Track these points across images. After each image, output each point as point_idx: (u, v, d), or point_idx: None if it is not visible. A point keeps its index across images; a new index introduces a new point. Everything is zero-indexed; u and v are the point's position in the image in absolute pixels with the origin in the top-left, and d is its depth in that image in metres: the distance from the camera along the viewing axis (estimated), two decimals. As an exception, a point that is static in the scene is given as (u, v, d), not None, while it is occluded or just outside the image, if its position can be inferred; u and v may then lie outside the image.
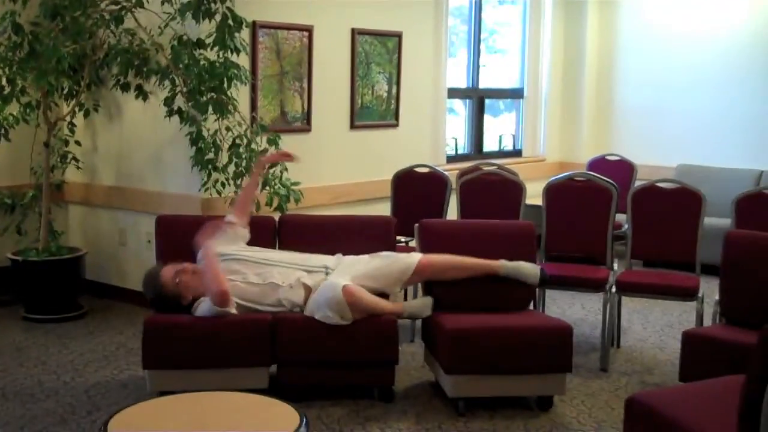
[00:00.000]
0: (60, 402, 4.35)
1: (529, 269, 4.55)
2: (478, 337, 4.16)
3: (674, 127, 8.35)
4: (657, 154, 8.30)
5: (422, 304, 4.47)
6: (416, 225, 4.77)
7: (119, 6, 5.36)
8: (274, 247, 4.79)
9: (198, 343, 4.21)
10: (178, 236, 4.67)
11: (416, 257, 4.52)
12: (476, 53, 8.20)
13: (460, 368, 4.16)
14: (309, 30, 6.12)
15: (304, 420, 2.89)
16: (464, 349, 4.15)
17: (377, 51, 6.70)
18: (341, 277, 4.32)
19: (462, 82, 8.09)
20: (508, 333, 4.21)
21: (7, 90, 5.52)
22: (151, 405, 3.10)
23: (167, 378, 4.22)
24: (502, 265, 4.51)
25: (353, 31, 6.46)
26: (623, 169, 7.49)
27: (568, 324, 4.36)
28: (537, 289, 5.38)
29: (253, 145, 5.41)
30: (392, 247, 4.82)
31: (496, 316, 4.37)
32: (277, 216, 5.11)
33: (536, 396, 4.38)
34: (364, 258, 4.54)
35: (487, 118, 8.48)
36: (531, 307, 4.75)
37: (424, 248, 4.67)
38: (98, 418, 4.11)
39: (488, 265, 4.51)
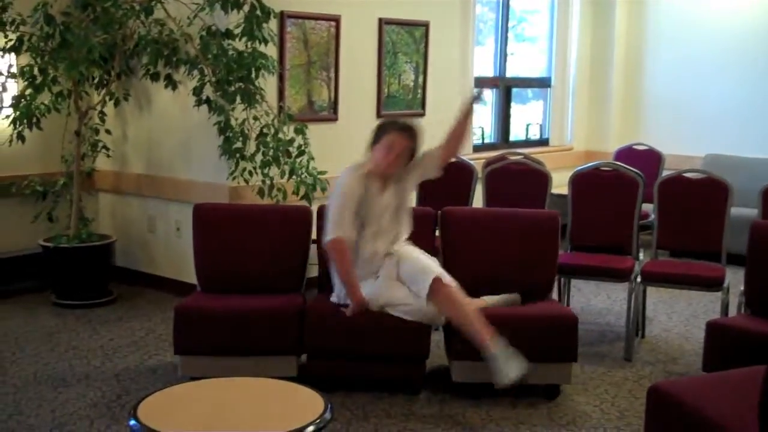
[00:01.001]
0: (90, 386, 4.44)
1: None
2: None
3: (702, 117, 8.30)
4: (685, 143, 8.25)
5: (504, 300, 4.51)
6: (439, 212, 4.79)
7: (148, -4, 5.43)
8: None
9: (228, 330, 4.30)
10: (215, 225, 4.73)
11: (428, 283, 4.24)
12: (504, 41, 8.19)
13: (463, 354, 4.18)
14: (336, 20, 6.15)
15: (329, 406, 2.95)
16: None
17: (404, 40, 6.72)
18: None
19: (489, 71, 8.09)
20: (512, 321, 4.22)
21: (39, 79, 5.60)
22: (179, 389, 3.17)
23: (198, 363, 4.29)
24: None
25: (380, 20, 6.49)
26: (651, 158, 7.48)
27: (573, 314, 4.39)
28: (560, 278, 5.44)
29: (280, 135, 5.46)
30: (431, 238, 4.82)
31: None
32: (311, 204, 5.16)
33: (544, 384, 4.38)
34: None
35: (515, 106, 8.48)
36: (554, 296, 4.75)
37: (447, 236, 4.69)
38: (128, 402, 4.19)
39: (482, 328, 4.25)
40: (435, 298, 4.15)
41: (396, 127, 4.38)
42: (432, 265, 4.27)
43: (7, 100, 5.75)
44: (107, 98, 5.99)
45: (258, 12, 5.20)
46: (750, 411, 2.86)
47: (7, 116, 5.73)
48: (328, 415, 2.90)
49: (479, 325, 4.04)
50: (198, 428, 2.83)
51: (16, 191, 5.94)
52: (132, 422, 2.81)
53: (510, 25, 8.31)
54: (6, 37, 5.52)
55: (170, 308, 5.50)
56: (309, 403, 2.96)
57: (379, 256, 4.35)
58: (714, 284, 4.97)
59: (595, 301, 6.22)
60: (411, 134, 4.37)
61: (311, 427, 2.80)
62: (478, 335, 4.03)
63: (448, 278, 4.23)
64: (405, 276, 4.26)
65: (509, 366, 3.93)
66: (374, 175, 4.36)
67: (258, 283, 4.63)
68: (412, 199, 5.96)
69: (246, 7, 5.21)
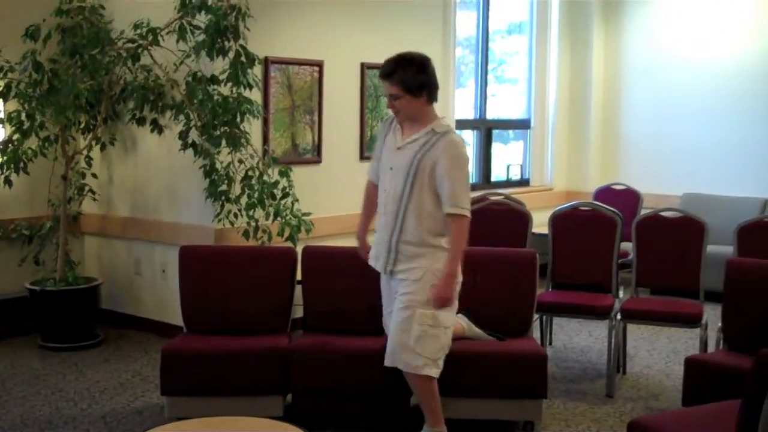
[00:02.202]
0: (78, 429, 4.46)
1: (482, 334, 4.53)
2: (451, 361, 4.10)
3: (680, 157, 8.47)
4: (663, 183, 8.42)
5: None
6: None
7: (136, 44, 5.54)
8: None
9: (215, 371, 4.35)
10: (201, 267, 4.80)
11: None
12: (484, 83, 8.37)
13: (443, 391, 4.13)
14: (319, 65, 6.29)
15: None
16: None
17: (386, 84, 6.84)
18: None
19: (470, 112, 8.24)
20: (482, 358, 4.30)
21: (27, 125, 5.68)
22: (169, 428, 3.21)
23: (185, 404, 4.33)
24: (462, 326, 4.47)
25: (362, 65, 6.63)
26: (629, 197, 7.63)
27: (543, 351, 4.46)
28: (542, 316, 5.53)
29: (265, 177, 5.55)
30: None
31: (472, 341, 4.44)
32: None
33: (521, 421, 4.45)
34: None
35: (497, 146, 8.62)
36: (536, 333, 4.82)
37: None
38: (115, 444, 4.22)
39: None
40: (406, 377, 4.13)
41: (379, 75, 4.09)
42: (402, 347, 4.00)
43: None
44: (93, 143, 6.07)
45: (243, 58, 5.32)
46: (726, 444, 2.94)
47: (-7, 161, 5.80)
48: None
49: (437, 409, 4.07)
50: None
51: (3, 235, 5.99)
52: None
53: (490, 67, 8.49)
54: (-6, 83, 5.61)
55: (156, 350, 5.59)
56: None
57: (387, 214, 4.05)
58: (692, 321, 5.07)
59: (577, 339, 6.30)
60: (388, 75, 3.96)
61: (299, 465, 2.86)
62: (431, 416, 4.08)
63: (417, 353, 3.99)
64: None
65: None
66: (405, 127, 4.06)
67: (244, 324, 4.68)
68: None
69: (231, 54, 5.33)
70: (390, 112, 4.12)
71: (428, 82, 3.99)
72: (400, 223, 3.99)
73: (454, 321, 4.11)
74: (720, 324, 4.62)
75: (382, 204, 4.10)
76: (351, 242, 5.25)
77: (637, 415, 4.52)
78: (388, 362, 4.05)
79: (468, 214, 3.93)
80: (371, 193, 4.28)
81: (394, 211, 4.00)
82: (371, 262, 4.20)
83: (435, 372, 3.99)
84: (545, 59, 8.80)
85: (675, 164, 8.50)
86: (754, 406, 2.79)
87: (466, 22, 8.16)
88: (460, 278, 4.05)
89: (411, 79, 3.93)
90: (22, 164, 5.76)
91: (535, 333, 4.98)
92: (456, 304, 4.08)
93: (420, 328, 3.96)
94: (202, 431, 3.18)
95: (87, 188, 6.24)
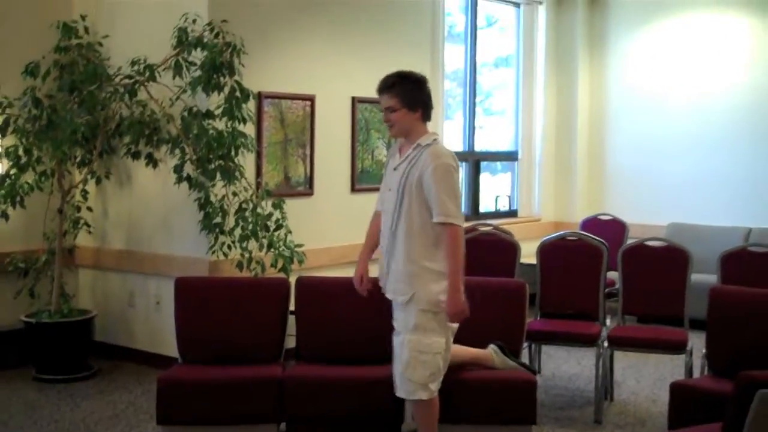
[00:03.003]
0: (74, 458, 4.53)
1: (515, 366, 4.62)
2: (443, 387, 4.17)
3: (665, 187, 8.63)
4: (648, 213, 8.57)
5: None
6: None
7: (133, 80, 5.67)
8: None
9: (210, 400, 4.44)
10: (196, 298, 4.90)
11: None
12: (472, 116, 8.52)
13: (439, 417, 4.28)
14: (311, 99, 6.43)
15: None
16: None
17: (376, 118, 6.98)
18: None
19: (458, 144, 8.38)
20: (472, 385, 4.40)
21: (24, 159, 5.79)
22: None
23: (181, 435, 4.42)
24: (491, 355, 4.60)
25: (353, 99, 6.77)
26: (615, 228, 7.74)
27: (532, 377, 4.53)
28: (530, 344, 5.63)
29: (258, 209, 5.66)
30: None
31: (461, 368, 4.49)
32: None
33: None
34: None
35: (485, 177, 8.77)
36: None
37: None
38: (112, 473, 4.28)
39: (478, 354, 4.58)
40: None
41: (377, 90, 4.20)
42: (403, 375, 4.11)
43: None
44: (89, 176, 6.16)
45: (237, 94, 5.46)
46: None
47: (-9, 196, 5.89)
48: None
49: None
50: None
51: (-1, 268, 6.07)
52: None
53: (477, 100, 8.66)
54: (-7, 119, 5.72)
55: (150, 381, 5.65)
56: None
57: (383, 236, 4.19)
58: (677, 348, 5.19)
59: (566, 367, 6.39)
60: (385, 88, 4.13)
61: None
62: None
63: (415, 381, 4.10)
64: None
65: None
66: (402, 149, 4.20)
67: (238, 354, 4.77)
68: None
69: (226, 89, 5.46)
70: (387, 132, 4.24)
71: (424, 99, 4.15)
72: (392, 240, 4.10)
73: (444, 346, 4.15)
74: (704, 350, 4.73)
75: (383, 226, 4.21)
76: (342, 273, 5.38)
77: (625, 441, 4.62)
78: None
79: (458, 222, 4.01)
80: (376, 221, 4.37)
81: (389, 229, 4.12)
82: (380, 283, 4.28)
83: (425, 395, 4.08)
84: (532, 92, 8.98)
85: (660, 195, 8.65)
86: (734, 426, 2.90)
87: (454, 56, 8.33)
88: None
89: (409, 93, 4.09)
90: (18, 198, 5.84)
91: (524, 361, 5.06)
92: (449, 329, 4.16)
93: (408, 354, 4.06)
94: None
95: (82, 221, 6.32)
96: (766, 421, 2.87)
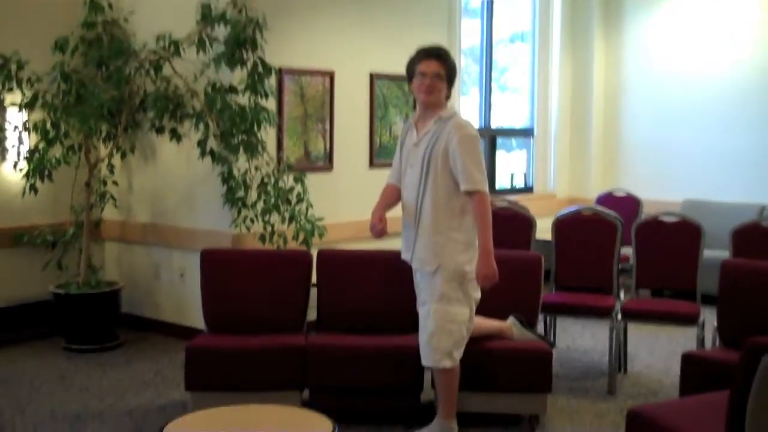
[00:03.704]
0: (105, 423, 4.70)
1: (532, 337, 4.74)
2: (465, 357, 4.37)
3: (680, 163, 8.71)
4: (663, 189, 8.64)
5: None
6: None
7: (158, 56, 5.79)
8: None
9: (236, 367, 4.60)
10: (221, 269, 5.03)
11: None
12: (488, 92, 8.61)
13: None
14: (331, 75, 6.54)
15: (337, 427, 3.25)
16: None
17: (394, 94, 7.10)
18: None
19: (474, 121, 8.48)
20: (490, 354, 4.54)
21: (52, 134, 5.94)
22: (200, 415, 3.47)
23: (208, 399, 4.53)
24: (511, 327, 4.72)
25: (372, 75, 6.88)
26: (630, 203, 7.84)
27: (549, 348, 4.66)
28: (546, 317, 5.75)
29: (280, 183, 5.79)
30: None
31: (482, 339, 4.61)
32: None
33: (527, 414, 4.69)
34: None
35: (501, 154, 8.87)
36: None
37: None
38: (142, 436, 4.46)
39: (498, 326, 4.72)
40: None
41: (422, 54, 4.30)
42: (429, 344, 4.27)
43: (13, 153, 6.10)
44: (114, 151, 6.31)
45: (260, 69, 5.58)
46: (719, 428, 3.17)
47: (20, 169, 6.05)
48: (337, 433, 3.21)
49: (452, 403, 4.33)
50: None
51: (28, 241, 6.23)
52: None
53: (493, 76, 8.74)
54: (23, 93, 5.86)
55: (175, 351, 5.84)
56: (318, 425, 3.27)
57: (407, 210, 4.34)
58: (689, 320, 5.30)
59: (581, 341, 6.52)
60: (438, 55, 4.28)
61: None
62: (445, 406, 4.33)
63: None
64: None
65: None
66: (419, 124, 4.34)
67: (262, 324, 4.91)
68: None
69: (249, 65, 5.58)
70: (418, 95, 4.32)
71: (454, 79, 4.35)
72: (418, 214, 4.25)
73: (468, 315, 4.32)
74: (716, 323, 4.84)
75: (405, 200, 4.37)
76: (362, 246, 5.53)
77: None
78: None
79: (484, 188, 4.17)
80: (388, 189, 4.53)
81: (414, 204, 4.27)
82: (403, 256, 4.44)
83: (449, 363, 4.24)
84: (547, 68, 9.05)
85: (675, 171, 8.73)
86: (742, 391, 3.02)
87: (470, 32, 8.41)
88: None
89: (451, 66, 4.31)
90: (47, 172, 6.01)
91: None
92: (472, 300, 4.32)
93: (434, 324, 4.22)
94: (231, 416, 3.41)
95: (108, 195, 6.48)
96: (774, 386, 2.99)
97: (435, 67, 4.24)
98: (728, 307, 4.67)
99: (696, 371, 4.40)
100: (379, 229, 4.36)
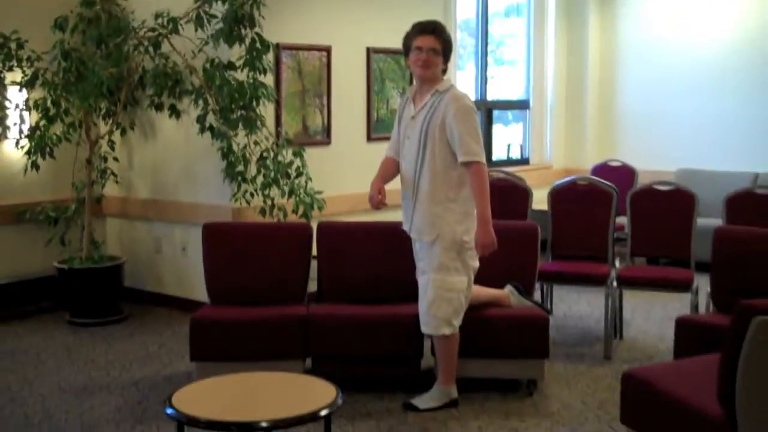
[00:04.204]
0: (112, 394, 4.80)
1: (529, 304, 4.84)
2: (464, 324, 4.48)
3: (674, 133, 8.79)
4: (658, 159, 8.73)
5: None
6: None
7: (156, 33, 5.85)
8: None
9: (240, 338, 4.69)
10: (223, 242, 5.12)
11: None
12: (484, 66, 8.67)
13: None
14: (327, 50, 6.59)
15: (340, 393, 3.35)
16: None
17: (391, 68, 7.16)
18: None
19: (471, 94, 8.51)
20: (488, 321, 4.65)
21: (53, 111, 6.00)
22: (206, 383, 3.56)
23: (212, 369, 4.61)
24: (508, 295, 4.83)
25: (368, 50, 6.94)
26: (625, 174, 7.92)
27: (545, 314, 4.77)
28: (543, 285, 5.85)
29: (279, 158, 5.87)
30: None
31: (480, 307, 4.70)
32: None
33: (525, 379, 4.80)
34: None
35: (498, 127, 8.94)
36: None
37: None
38: (149, 407, 4.57)
39: (496, 294, 4.82)
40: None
41: (417, 29, 4.38)
42: (428, 312, 4.39)
43: (15, 131, 6.16)
44: (114, 128, 6.38)
45: (258, 45, 5.63)
46: (712, 389, 3.26)
47: (22, 147, 6.12)
48: (339, 401, 3.30)
49: (451, 370, 4.46)
50: (227, 412, 3.22)
51: (30, 217, 6.31)
52: (169, 410, 3.19)
53: (489, 49, 8.79)
54: (23, 72, 5.91)
55: (178, 324, 5.95)
56: (322, 390, 3.37)
57: (406, 181, 4.45)
58: (683, 286, 5.41)
59: (577, 308, 6.63)
60: (434, 30, 4.35)
61: (326, 410, 3.21)
62: (445, 373, 4.47)
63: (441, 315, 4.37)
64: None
65: (429, 402, 4.47)
66: (416, 98, 4.43)
67: (264, 295, 5.00)
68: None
69: (247, 41, 5.64)
70: (414, 69, 4.41)
71: (450, 53, 4.42)
72: (416, 185, 4.35)
73: (466, 284, 4.43)
74: (709, 289, 4.95)
75: (404, 172, 4.46)
76: (361, 218, 5.61)
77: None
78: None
79: (481, 159, 4.27)
80: (387, 162, 4.62)
81: (412, 176, 4.37)
82: (403, 226, 4.54)
83: (448, 330, 4.36)
84: (542, 41, 9.10)
85: (669, 141, 8.81)
86: (733, 352, 3.12)
87: (465, 5, 8.45)
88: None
89: (447, 41, 4.39)
90: (48, 149, 6.07)
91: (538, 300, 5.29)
92: (470, 268, 4.42)
93: (434, 293, 4.34)
94: (237, 383, 3.51)
95: (109, 171, 6.55)
96: (762, 347, 3.09)
97: (431, 42, 4.31)
98: (721, 273, 4.77)
99: (689, 335, 4.50)
100: (377, 201, 4.45)
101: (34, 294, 6.44)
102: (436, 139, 4.28)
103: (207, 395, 3.40)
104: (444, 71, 4.44)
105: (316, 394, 3.35)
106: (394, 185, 4.63)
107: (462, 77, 8.38)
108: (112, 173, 6.58)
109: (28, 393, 4.81)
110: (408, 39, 4.41)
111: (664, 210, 5.73)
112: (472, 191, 4.31)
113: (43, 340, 5.84)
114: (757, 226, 5.02)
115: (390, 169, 4.61)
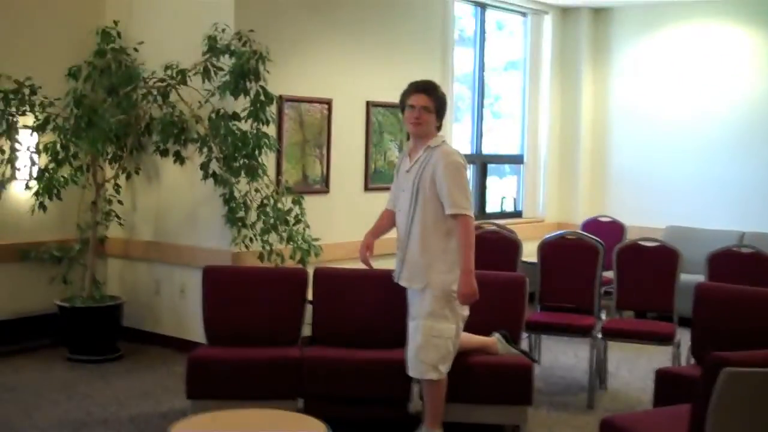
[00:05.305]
0: (109, 428, 4.95)
1: (516, 353, 5.00)
2: (451, 370, 4.62)
3: (664, 191, 9.04)
4: (648, 216, 8.96)
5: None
6: None
7: (165, 83, 6.10)
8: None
9: (235, 377, 4.86)
10: (223, 285, 5.31)
11: None
12: (480, 119, 8.93)
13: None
14: (328, 103, 6.85)
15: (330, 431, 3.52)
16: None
17: (389, 121, 7.41)
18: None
19: (467, 147, 8.79)
20: (475, 367, 4.81)
21: (61, 155, 6.23)
22: (204, 417, 3.73)
23: (208, 407, 4.77)
24: (496, 342, 4.99)
25: (368, 103, 7.20)
26: (615, 229, 8.14)
27: (529, 362, 4.93)
28: (530, 335, 6.02)
29: (279, 205, 6.08)
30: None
31: (468, 353, 4.86)
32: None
33: (509, 425, 4.96)
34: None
35: (493, 180, 9.18)
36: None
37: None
38: (145, 442, 4.71)
39: (484, 342, 4.98)
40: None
41: (411, 88, 4.61)
42: (416, 357, 4.54)
43: (24, 173, 6.38)
44: (120, 172, 6.59)
45: (262, 97, 5.88)
46: (683, 435, 3.44)
47: (31, 188, 6.33)
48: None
49: (438, 413, 4.60)
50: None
51: (35, 256, 6.50)
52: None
53: (487, 102, 9.06)
54: (35, 117, 6.15)
55: (174, 363, 6.10)
56: (313, 428, 3.55)
57: (399, 231, 4.65)
58: (665, 339, 5.60)
59: (563, 359, 6.79)
60: (426, 90, 4.56)
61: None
62: (431, 416, 4.60)
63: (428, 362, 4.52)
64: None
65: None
66: (411, 153, 4.64)
67: (260, 337, 5.17)
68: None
69: (252, 93, 5.89)
70: (407, 126, 4.66)
71: (444, 111, 4.67)
72: (408, 236, 4.56)
73: (454, 331, 4.59)
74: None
75: (398, 223, 4.68)
76: (355, 265, 5.78)
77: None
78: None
79: (468, 212, 4.47)
80: (385, 214, 4.89)
81: (405, 227, 4.58)
82: (393, 274, 4.75)
83: (435, 376, 4.52)
84: (537, 98, 9.39)
85: (659, 198, 9.05)
86: (702, 402, 3.29)
87: (463, 59, 8.72)
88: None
89: (440, 101, 4.61)
90: (55, 191, 6.28)
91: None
92: (460, 317, 4.60)
93: (422, 338, 4.51)
94: (233, 419, 3.67)
95: (113, 214, 6.75)
96: (731, 397, 3.27)
97: (423, 100, 4.55)
98: (700, 327, 4.95)
99: (668, 386, 4.66)
100: (364, 257, 4.77)
101: (35, 331, 6.62)
102: (427, 192, 4.50)
103: (202, 430, 3.56)
104: (438, 128, 4.66)
105: (307, 430, 3.51)
106: (391, 234, 4.83)
107: (458, 129, 8.62)
108: (116, 215, 6.78)
109: (28, 426, 4.95)
110: (403, 97, 4.65)
111: (648, 265, 5.94)
112: (458, 240, 4.51)
113: (42, 375, 5.99)
114: (739, 283, 5.20)
115: (385, 222, 4.87)
